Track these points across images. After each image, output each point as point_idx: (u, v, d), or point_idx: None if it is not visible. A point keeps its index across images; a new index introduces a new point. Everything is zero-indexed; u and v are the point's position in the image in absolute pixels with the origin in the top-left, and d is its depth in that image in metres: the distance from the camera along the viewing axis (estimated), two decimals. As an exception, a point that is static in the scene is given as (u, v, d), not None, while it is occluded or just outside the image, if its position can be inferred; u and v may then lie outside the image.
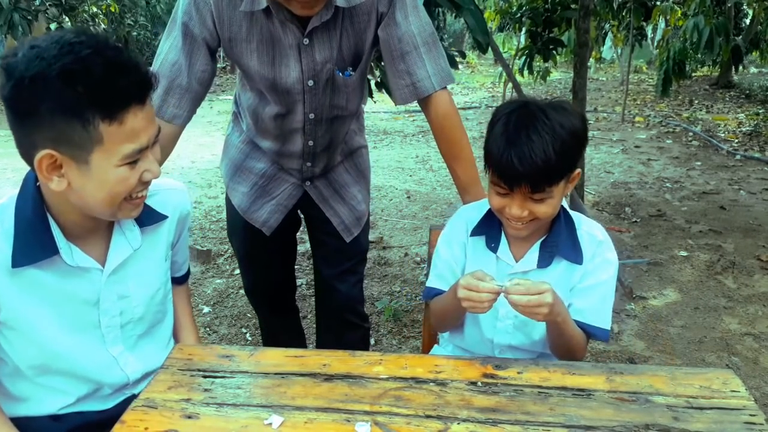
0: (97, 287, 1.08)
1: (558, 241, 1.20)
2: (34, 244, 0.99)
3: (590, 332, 1.21)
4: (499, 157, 1.10)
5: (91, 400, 1.15)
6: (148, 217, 1.13)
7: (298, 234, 1.89)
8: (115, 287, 1.11)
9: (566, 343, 1.18)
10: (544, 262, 1.20)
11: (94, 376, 1.13)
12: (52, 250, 1.01)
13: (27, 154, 0.94)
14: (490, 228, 1.24)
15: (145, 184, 1.01)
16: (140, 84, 0.93)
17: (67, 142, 0.90)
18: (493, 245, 1.24)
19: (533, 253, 1.21)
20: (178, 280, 1.30)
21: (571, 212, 1.24)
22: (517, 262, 1.22)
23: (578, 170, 1.16)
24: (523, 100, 1.16)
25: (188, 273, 1.34)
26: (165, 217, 1.17)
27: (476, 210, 1.29)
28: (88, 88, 0.87)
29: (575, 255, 1.20)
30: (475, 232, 1.26)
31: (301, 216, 1.82)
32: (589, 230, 1.23)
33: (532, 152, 1.06)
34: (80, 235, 1.05)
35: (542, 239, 1.21)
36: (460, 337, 1.34)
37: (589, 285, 1.21)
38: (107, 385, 1.15)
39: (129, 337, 1.16)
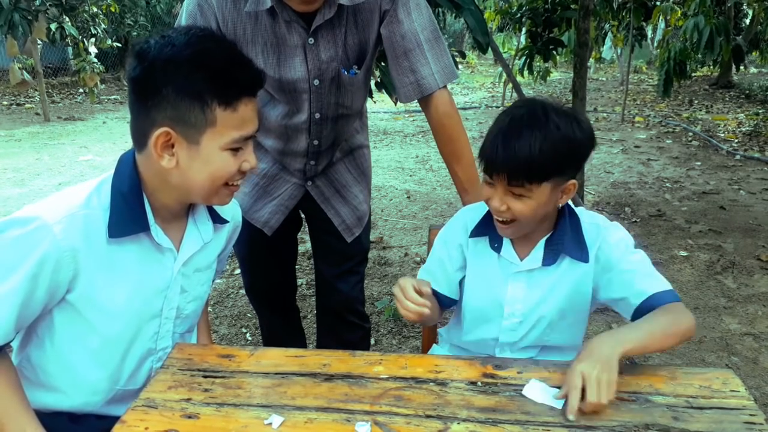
0: (169, 274, 1.14)
1: (563, 239, 1.20)
2: (128, 218, 1.05)
3: (661, 300, 1.12)
4: (487, 143, 1.12)
5: (113, 402, 1.16)
6: (217, 217, 1.21)
7: (298, 234, 1.89)
8: (181, 279, 1.16)
9: (667, 340, 1.08)
10: (549, 259, 1.20)
11: (130, 368, 1.15)
12: (143, 226, 1.06)
13: (143, 132, 1.01)
14: (492, 228, 1.24)
15: (243, 173, 1.07)
16: (254, 78, 1.03)
17: (185, 121, 0.98)
18: (496, 245, 1.24)
19: (538, 251, 1.21)
20: None
21: (582, 211, 1.24)
22: (521, 261, 1.22)
23: (572, 181, 1.14)
24: (535, 99, 1.15)
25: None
26: (227, 221, 1.24)
27: (476, 211, 1.29)
28: (211, 75, 0.97)
29: (580, 253, 1.19)
30: (475, 233, 1.26)
31: (303, 216, 1.82)
32: (592, 220, 1.22)
33: (517, 143, 1.07)
34: (164, 219, 1.11)
35: (547, 237, 1.21)
36: (459, 335, 1.34)
37: (621, 269, 1.17)
38: (134, 381, 1.17)
39: (174, 334, 1.20)
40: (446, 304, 1.31)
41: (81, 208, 1.03)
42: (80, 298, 1.05)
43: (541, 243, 1.21)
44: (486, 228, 1.25)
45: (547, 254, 1.20)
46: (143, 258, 1.09)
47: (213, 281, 1.30)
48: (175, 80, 0.96)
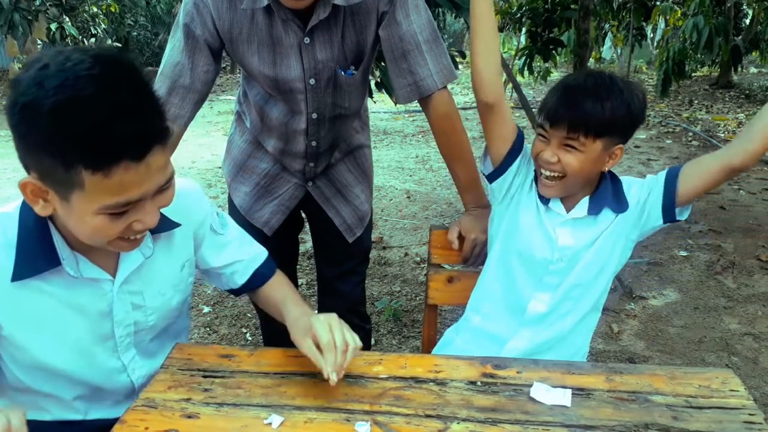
0: (109, 298, 1.04)
1: (605, 194, 1.26)
2: (36, 255, 0.95)
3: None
4: (552, 97, 1.19)
5: (97, 407, 1.14)
6: (160, 224, 1.00)
7: (299, 234, 1.89)
8: (129, 297, 1.07)
9: None
10: (593, 210, 1.26)
11: (100, 383, 1.11)
12: (54, 262, 0.96)
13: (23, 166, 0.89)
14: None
15: (138, 231, 0.93)
16: (140, 139, 0.82)
17: (51, 176, 0.84)
18: (544, 199, 1.28)
19: (583, 204, 1.27)
20: (259, 280, 1.27)
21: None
22: (567, 213, 1.27)
23: (619, 146, 1.21)
24: (602, 70, 1.23)
25: (267, 268, 1.28)
26: (177, 225, 1.09)
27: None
28: (75, 133, 0.78)
29: (619, 205, 1.26)
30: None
31: (304, 216, 1.82)
32: (638, 180, 1.30)
33: (582, 97, 1.15)
34: (87, 249, 0.99)
35: (590, 195, 1.27)
36: (496, 286, 1.36)
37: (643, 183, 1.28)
38: (113, 392, 1.14)
39: (140, 342, 1.14)
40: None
41: None
42: (11, 334, 0.99)
43: (585, 198, 1.27)
44: (537, 184, 1.30)
45: (591, 206, 1.26)
46: (72, 287, 1.00)
47: (191, 284, 1.21)
48: (35, 130, 0.80)
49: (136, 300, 1.09)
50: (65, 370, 1.06)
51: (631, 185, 1.29)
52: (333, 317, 1.05)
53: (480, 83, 1.25)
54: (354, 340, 1.02)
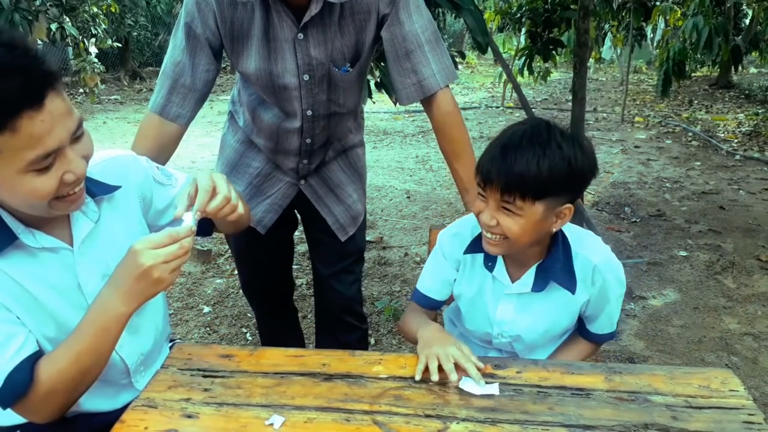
0: (74, 269, 1.04)
1: (554, 266, 1.18)
2: None
3: (600, 340, 1.29)
4: (485, 154, 1.09)
5: (93, 396, 1.11)
6: (98, 188, 1.06)
7: (294, 233, 1.89)
8: (95, 267, 1.06)
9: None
10: (538, 285, 1.19)
11: None
12: (10, 237, 0.95)
13: None
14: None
15: (71, 184, 0.92)
16: (30, 86, 0.82)
17: None
18: (489, 264, 1.23)
19: (529, 276, 1.20)
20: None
21: (574, 234, 1.21)
22: (512, 283, 1.22)
23: (568, 206, 1.09)
24: (541, 118, 1.12)
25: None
26: (116, 187, 1.10)
27: (471, 226, 1.26)
28: None
29: (569, 282, 1.18)
30: (470, 249, 1.24)
31: (299, 216, 1.82)
32: (586, 254, 1.19)
33: (516, 156, 1.03)
34: (39, 223, 0.99)
35: (539, 263, 1.20)
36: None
37: (597, 311, 1.25)
38: (106, 375, 1.10)
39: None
40: (438, 307, 1.34)
41: None
42: None
43: (533, 269, 1.20)
44: (480, 246, 1.21)
45: (537, 280, 1.19)
46: (35, 263, 0.99)
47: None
48: None
49: (102, 269, 1.06)
50: (52, 341, 1.03)
51: (585, 268, 1.18)
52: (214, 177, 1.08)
53: None
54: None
